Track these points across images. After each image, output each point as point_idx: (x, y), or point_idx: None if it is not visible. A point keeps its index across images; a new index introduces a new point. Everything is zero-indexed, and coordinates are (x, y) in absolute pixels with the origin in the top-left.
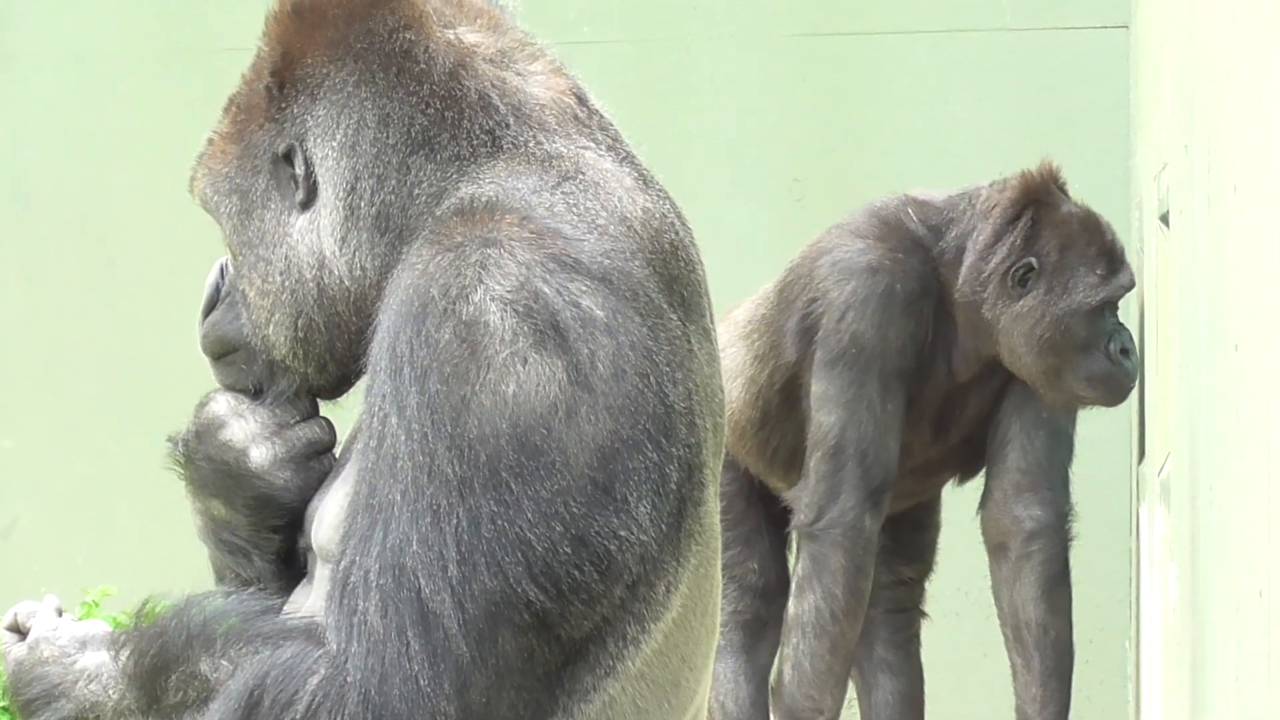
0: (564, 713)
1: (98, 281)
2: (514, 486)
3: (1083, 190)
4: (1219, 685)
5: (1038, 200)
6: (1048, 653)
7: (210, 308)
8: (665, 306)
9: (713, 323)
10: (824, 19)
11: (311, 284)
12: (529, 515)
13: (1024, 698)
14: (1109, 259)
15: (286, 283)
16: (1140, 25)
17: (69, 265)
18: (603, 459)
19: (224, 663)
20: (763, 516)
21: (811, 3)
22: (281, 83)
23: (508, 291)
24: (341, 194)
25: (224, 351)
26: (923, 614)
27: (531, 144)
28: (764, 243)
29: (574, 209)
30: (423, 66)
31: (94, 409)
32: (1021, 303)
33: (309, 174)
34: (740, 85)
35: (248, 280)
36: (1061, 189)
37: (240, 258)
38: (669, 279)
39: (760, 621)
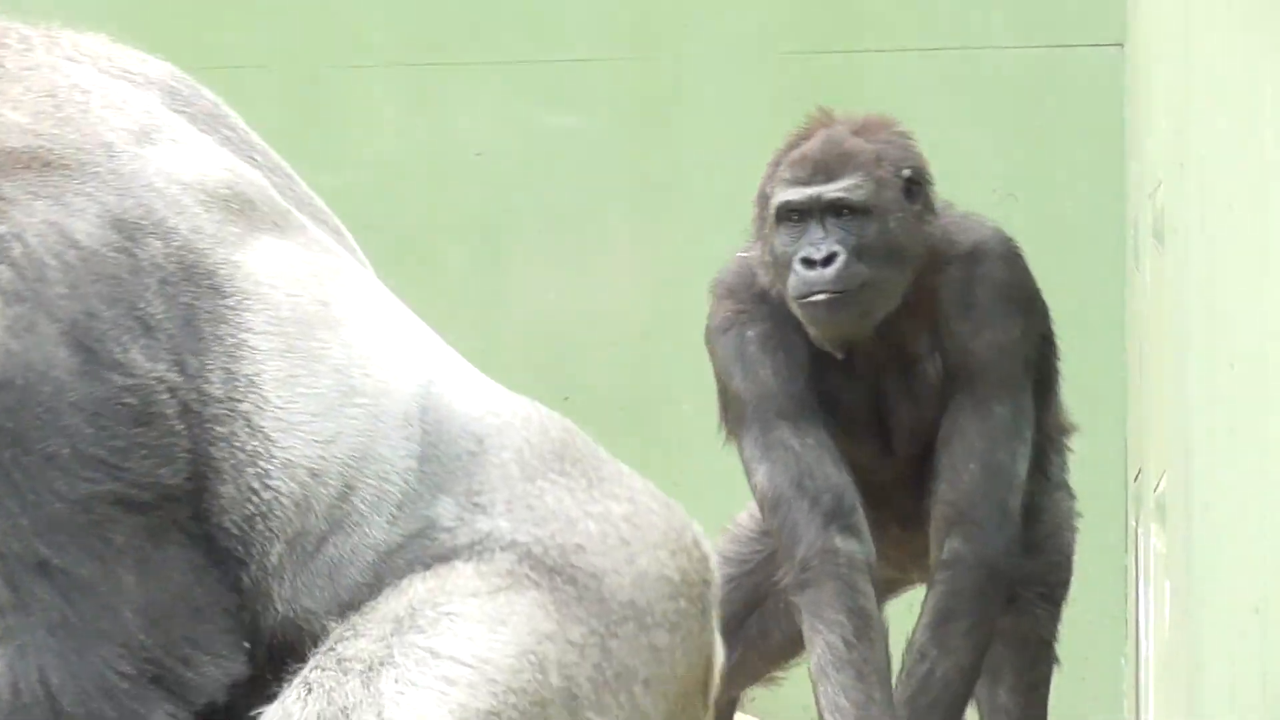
0: None
1: None
2: None
3: (1076, 207)
4: (1214, 702)
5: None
6: (913, 683)
7: None
8: None
9: None
10: (816, 37)
11: None
12: None
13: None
14: (800, 164)
15: None
16: (1135, 44)
17: None
18: None
19: None
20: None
21: (803, 20)
22: None
23: None
24: None
25: None
26: (1054, 651)
27: None
28: None
29: None
30: None
31: None
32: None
33: None
34: (732, 103)
35: None
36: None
37: None
38: None
39: None
